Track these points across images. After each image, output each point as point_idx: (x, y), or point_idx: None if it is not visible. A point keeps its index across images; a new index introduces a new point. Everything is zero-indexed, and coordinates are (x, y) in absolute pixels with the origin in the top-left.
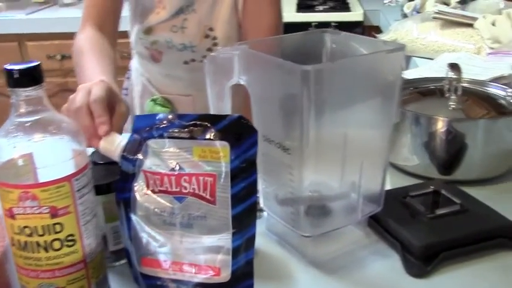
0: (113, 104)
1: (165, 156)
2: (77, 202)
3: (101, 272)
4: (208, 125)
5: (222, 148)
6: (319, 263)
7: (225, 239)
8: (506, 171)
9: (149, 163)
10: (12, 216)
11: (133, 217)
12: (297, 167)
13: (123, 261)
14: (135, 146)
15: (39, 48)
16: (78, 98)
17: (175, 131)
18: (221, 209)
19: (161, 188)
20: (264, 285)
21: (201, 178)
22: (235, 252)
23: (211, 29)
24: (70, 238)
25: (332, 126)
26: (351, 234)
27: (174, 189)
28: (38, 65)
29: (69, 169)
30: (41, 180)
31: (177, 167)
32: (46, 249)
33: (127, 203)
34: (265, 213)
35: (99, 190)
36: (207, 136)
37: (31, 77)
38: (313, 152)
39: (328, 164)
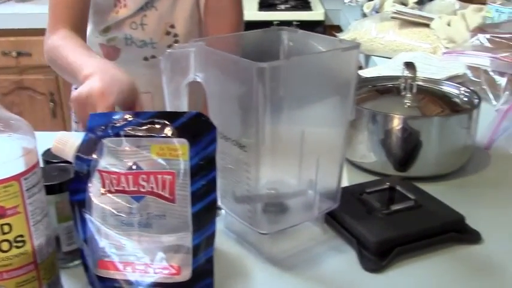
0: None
1: (121, 155)
2: (26, 202)
3: (52, 273)
4: (166, 122)
5: (181, 145)
6: (277, 260)
7: (184, 238)
8: (459, 167)
9: (105, 163)
10: None
11: (89, 219)
12: (253, 165)
13: (77, 262)
14: (89, 146)
15: None
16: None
17: (132, 129)
18: (180, 208)
19: (118, 188)
20: (221, 284)
21: (159, 176)
22: (195, 250)
23: (172, 26)
24: (19, 239)
25: (288, 123)
26: (308, 231)
27: (131, 189)
28: None
29: (17, 168)
30: None
31: (135, 166)
32: None
33: (81, 204)
34: (223, 212)
35: (52, 190)
36: (165, 133)
37: None
38: (269, 150)
39: (285, 162)
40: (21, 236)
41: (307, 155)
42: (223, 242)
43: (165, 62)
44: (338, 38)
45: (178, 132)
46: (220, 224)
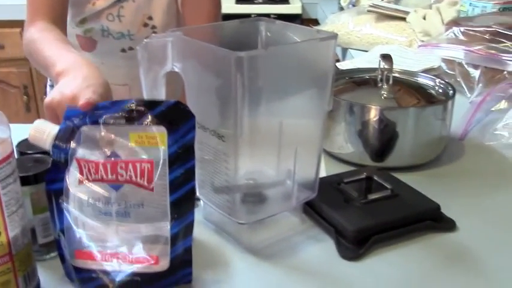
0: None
1: (99, 143)
2: (1, 192)
3: (28, 265)
4: (145, 110)
5: (159, 133)
6: (255, 249)
7: (162, 228)
8: (434, 158)
9: (83, 151)
10: None
11: (66, 209)
12: (232, 155)
13: (53, 254)
14: (67, 134)
15: None
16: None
17: (110, 117)
18: (159, 196)
19: (96, 177)
20: (200, 274)
21: (138, 165)
22: (174, 239)
23: (150, 18)
24: None
25: (266, 114)
26: (287, 221)
27: (109, 177)
28: None
29: None
30: None
31: (113, 154)
32: None
33: (58, 194)
34: (201, 203)
35: (27, 181)
36: (144, 122)
37: None
38: (248, 140)
39: (264, 152)
40: None
41: (285, 146)
42: (202, 232)
43: (142, 52)
44: (315, 29)
45: (157, 120)
46: (198, 215)
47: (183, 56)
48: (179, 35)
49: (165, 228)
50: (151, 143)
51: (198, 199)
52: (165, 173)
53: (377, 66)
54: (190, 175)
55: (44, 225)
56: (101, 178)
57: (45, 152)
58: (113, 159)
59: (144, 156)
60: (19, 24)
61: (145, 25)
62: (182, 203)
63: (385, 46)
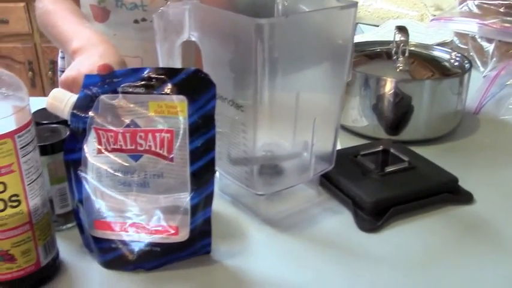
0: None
1: (118, 112)
2: (21, 160)
3: (48, 234)
4: (164, 78)
5: (180, 102)
6: (273, 221)
7: (182, 199)
8: (449, 131)
9: (101, 120)
10: None
11: (84, 179)
12: (250, 126)
13: (70, 225)
14: (86, 102)
15: None
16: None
17: (129, 85)
18: (178, 167)
19: (115, 147)
20: (219, 245)
21: (157, 134)
22: (194, 210)
23: None
24: (14, 198)
25: (285, 84)
26: (303, 193)
27: (128, 147)
28: None
29: (11, 125)
30: None
31: (132, 124)
32: None
33: (77, 164)
34: (217, 174)
35: (43, 151)
36: (164, 90)
37: None
38: (267, 111)
39: (282, 123)
40: (16, 195)
41: (303, 117)
42: (219, 204)
43: (158, 21)
44: None
45: (177, 89)
46: (215, 187)
47: (201, 25)
48: (196, 3)
49: (185, 199)
50: (171, 112)
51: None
52: (185, 143)
53: (388, 40)
54: (210, 145)
55: (61, 195)
56: (119, 148)
57: (60, 122)
58: (132, 128)
59: (164, 126)
60: None
61: None
62: (202, 173)
63: (396, 20)
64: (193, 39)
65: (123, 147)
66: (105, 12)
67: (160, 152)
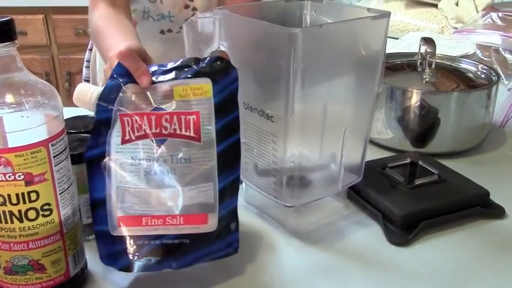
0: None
1: (144, 100)
2: (54, 169)
3: (78, 244)
4: (188, 65)
5: (204, 84)
6: (301, 233)
7: (208, 190)
8: (476, 144)
9: (126, 107)
10: None
11: (108, 173)
12: (281, 136)
13: None
14: (113, 92)
15: None
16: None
17: (156, 78)
18: (205, 149)
19: (139, 134)
20: (248, 256)
21: (183, 117)
22: (221, 195)
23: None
24: (46, 207)
25: (316, 94)
26: (330, 206)
27: (153, 131)
28: (11, 20)
29: (43, 134)
30: (12, 145)
31: (158, 109)
32: (20, 219)
33: (99, 159)
34: (243, 185)
35: (71, 160)
36: (187, 75)
37: (2, 33)
38: (298, 121)
39: (310, 134)
40: (48, 204)
41: (332, 128)
42: (245, 215)
43: (187, 31)
44: (364, 7)
45: (201, 74)
46: (239, 199)
47: (231, 34)
48: (226, 12)
49: (210, 190)
50: (196, 94)
51: (240, 182)
52: (212, 123)
53: (410, 52)
54: (235, 125)
55: (88, 205)
56: (144, 133)
57: (87, 132)
58: (157, 112)
59: (190, 108)
60: (42, 10)
61: (186, 7)
62: (229, 154)
63: (416, 33)
64: (222, 48)
65: (148, 132)
66: (132, 23)
67: (187, 133)
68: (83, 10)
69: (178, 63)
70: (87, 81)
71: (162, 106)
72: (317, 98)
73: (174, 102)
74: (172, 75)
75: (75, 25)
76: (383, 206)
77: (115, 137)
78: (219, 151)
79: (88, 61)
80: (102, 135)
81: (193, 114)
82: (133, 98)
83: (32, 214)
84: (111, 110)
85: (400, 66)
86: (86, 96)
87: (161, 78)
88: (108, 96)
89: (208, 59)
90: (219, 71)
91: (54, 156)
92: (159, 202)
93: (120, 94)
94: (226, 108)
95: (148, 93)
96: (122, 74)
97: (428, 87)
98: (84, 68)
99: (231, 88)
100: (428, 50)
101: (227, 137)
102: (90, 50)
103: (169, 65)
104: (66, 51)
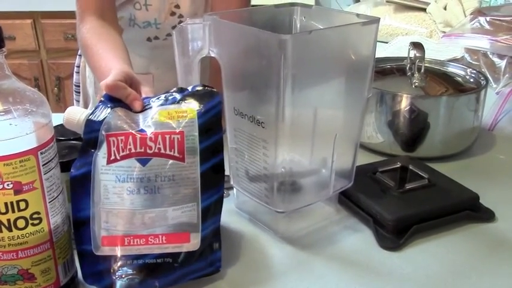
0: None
1: (130, 121)
2: (43, 177)
3: (67, 253)
4: (173, 94)
5: (189, 108)
6: (292, 239)
7: (191, 211)
8: (465, 148)
9: (113, 127)
10: None
11: (92, 191)
12: (272, 142)
13: None
14: (100, 113)
15: None
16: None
17: (145, 105)
18: (189, 170)
19: (124, 153)
20: (237, 262)
21: (167, 136)
22: (204, 214)
23: (177, 6)
24: (35, 216)
25: (306, 100)
26: (322, 211)
27: (138, 150)
28: None
29: (32, 142)
30: (1, 154)
31: (142, 130)
32: (9, 229)
33: (85, 179)
34: (234, 191)
35: (61, 168)
36: (173, 102)
37: None
38: (289, 127)
39: (302, 140)
40: (38, 213)
41: (323, 133)
42: (236, 221)
43: (177, 37)
44: (353, 13)
45: (186, 98)
46: (231, 204)
47: (221, 40)
48: (216, 19)
49: (194, 210)
50: (181, 117)
51: (230, 188)
52: (196, 144)
53: (399, 56)
54: (219, 146)
55: None
56: (129, 153)
57: (77, 139)
58: (143, 132)
59: (174, 128)
60: (30, 15)
61: (173, 14)
62: (212, 174)
63: (405, 37)
64: (212, 55)
65: (133, 151)
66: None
67: (171, 153)
68: (72, 15)
69: (164, 94)
70: (77, 86)
71: (147, 127)
72: (307, 103)
73: (159, 123)
74: (160, 102)
75: (64, 30)
76: (374, 210)
77: (101, 158)
78: (203, 171)
79: (78, 66)
80: (89, 156)
81: (178, 134)
82: (120, 120)
83: (21, 223)
84: (98, 131)
85: (389, 70)
86: (74, 119)
87: (150, 105)
88: (96, 117)
89: (192, 86)
90: (203, 95)
91: (43, 165)
92: (142, 222)
93: (108, 115)
94: (210, 129)
95: (134, 115)
96: (110, 98)
97: (417, 92)
98: (74, 74)
99: (215, 111)
100: (417, 54)
101: (211, 158)
102: (80, 55)
103: (156, 97)
104: (55, 56)
